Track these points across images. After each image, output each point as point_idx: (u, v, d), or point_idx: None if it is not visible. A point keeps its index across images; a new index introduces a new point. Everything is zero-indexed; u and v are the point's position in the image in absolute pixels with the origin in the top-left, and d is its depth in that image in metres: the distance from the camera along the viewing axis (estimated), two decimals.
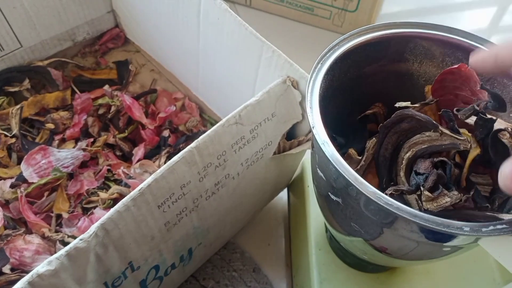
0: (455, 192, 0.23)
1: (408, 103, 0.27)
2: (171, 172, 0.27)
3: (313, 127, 0.22)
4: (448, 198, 0.23)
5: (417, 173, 0.25)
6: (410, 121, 0.26)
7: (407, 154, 0.25)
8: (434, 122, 0.25)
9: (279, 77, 0.33)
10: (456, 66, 0.27)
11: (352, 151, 0.27)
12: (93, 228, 0.24)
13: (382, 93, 0.30)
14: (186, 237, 0.31)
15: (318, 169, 0.24)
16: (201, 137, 0.28)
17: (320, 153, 0.22)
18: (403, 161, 0.25)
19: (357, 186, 0.20)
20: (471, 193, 0.25)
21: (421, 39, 0.28)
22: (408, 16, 0.68)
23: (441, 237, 0.21)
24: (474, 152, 0.25)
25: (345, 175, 0.20)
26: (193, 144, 0.28)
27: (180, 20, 0.41)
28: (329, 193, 0.24)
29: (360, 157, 0.27)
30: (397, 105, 0.27)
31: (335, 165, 0.20)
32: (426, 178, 0.24)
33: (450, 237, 0.21)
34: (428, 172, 0.24)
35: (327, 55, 0.26)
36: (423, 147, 0.25)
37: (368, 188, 0.20)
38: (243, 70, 0.38)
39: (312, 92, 0.24)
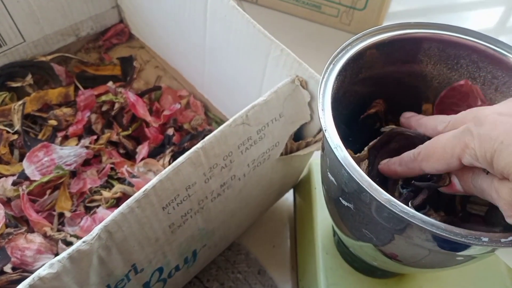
0: (442, 213, 0.24)
1: (392, 127, 0.28)
2: (176, 173, 0.26)
3: (325, 130, 0.21)
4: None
5: (403, 187, 0.25)
6: (399, 140, 0.27)
7: None
8: (425, 136, 0.25)
9: (287, 76, 0.32)
10: (460, 82, 0.27)
11: (349, 151, 0.27)
12: (96, 230, 0.23)
13: (394, 94, 0.29)
14: (191, 239, 0.30)
15: (328, 173, 0.24)
16: (207, 137, 0.27)
17: (332, 157, 0.21)
18: (399, 181, 0.26)
19: (371, 193, 0.19)
20: (459, 215, 0.25)
21: (435, 41, 0.27)
22: (415, 15, 0.67)
23: (457, 247, 0.20)
24: None
25: (359, 181, 0.19)
26: (199, 145, 0.27)
27: (187, 16, 0.40)
28: (340, 198, 0.23)
29: (356, 155, 0.26)
30: (382, 129, 0.28)
31: (349, 171, 0.20)
32: (412, 192, 0.24)
33: (466, 246, 0.20)
34: (413, 188, 0.25)
35: (339, 56, 0.25)
36: None
37: (382, 195, 0.19)
38: (250, 69, 0.37)
39: (324, 94, 0.23)
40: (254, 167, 0.32)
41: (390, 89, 0.29)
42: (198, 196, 0.28)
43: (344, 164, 0.20)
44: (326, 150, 0.24)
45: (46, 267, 0.22)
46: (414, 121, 0.26)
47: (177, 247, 0.29)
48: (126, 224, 0.24)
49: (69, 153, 0.37)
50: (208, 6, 0.37)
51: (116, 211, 0.24)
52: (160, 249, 0.28)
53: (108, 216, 0.34)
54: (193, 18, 0.40)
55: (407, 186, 0.26)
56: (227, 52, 0.39)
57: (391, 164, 0.25)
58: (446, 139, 0.21)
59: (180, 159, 0.26)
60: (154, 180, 0.25)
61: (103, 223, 0.23)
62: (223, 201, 0.31)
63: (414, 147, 0.25)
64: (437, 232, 0.18)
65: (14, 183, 0.35)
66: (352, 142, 0.28)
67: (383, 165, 0.26)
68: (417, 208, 0.23)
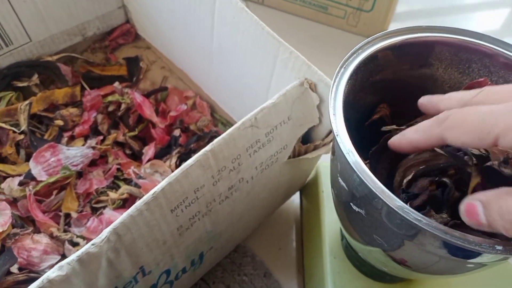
0: (444, 215, 0.23)
1: (393, 126, 0.27)
2: (185, 175, 0.26)
3: (337, 135, 0.21)
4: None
5: (404, 191, 0.25)
6: None
7: (408, 177, 0.25)
8: None
9: (296, 79, 0.32)
10: (479, 80, 0.26)
11: None
12: (105, 232, 0.23)
13: (404, 98, 0.29)
14: (199, 241, 0.30)
15: (339, 177, 0.24)
16: (216, 140, 0.27)
17: (344, 162, 0.21)
18: (403, 184, 0.25)
19: (384, 199, 0.19)
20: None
21: (447, 45, 0.27)
22: (419, 16, 0.67)
23: (469, 254, 0.20)
24: (475, 180, 0.25)
25: (372, 187, 0.19)
26: (207, 147, 0.27)
27: (194, 17, 0.40)
28: (351, 203, 0.23)
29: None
30: (383, 128, 0.27)
31: (361, 176, 0.19)
32: (416, 196, 0.24)
33: (478, 254, 0.20)
34: (414, 193, 0.24)
35: (350, 59, 0.25)
36: (420, 167, 0.25)
37: (395, 202, 0.19)
38: (258, 70, 0.37)
39: (336, 98, 0.23)
40: (262, 170, 0.31)
41: (400, 93, 0.29)
42: (206, 199, 0.28)
43: (356, 170, 0.20)
44: (337, 155, 0.23)
45: (55, 270, 0.22)
46: (436, 97, 0.24)
47: (185, 249, 0.29)
48: (135, 227, 0.24)
49: (75, 153, 0.37)
50: (216, 7, 0.37)
51: (125, 213, 0.24)
52: (168, 251, 0.28)
53: (115, 217, 0.34)
54: (200, 19, 0.40)
55: (408, 191, 0.26)
56: (234, 54, 0.38)
57: (405, 134, 0.22)
58: (488, 111, 0.18)
59: (189, 161, 0.26)
60: (163, 183, 0.25)
61: (112, 226, 0.23)
62: (231, 203, 0.30)
63: None
64: (451, 240, 0.18)
65: (20, 183, 0.35)
66: (362, 147, 0.28)
67: (394, 140, 0.23)
68: (417, 209, 0.23)
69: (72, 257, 0.22)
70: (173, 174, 0.25)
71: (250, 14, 0.34)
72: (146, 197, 0.24)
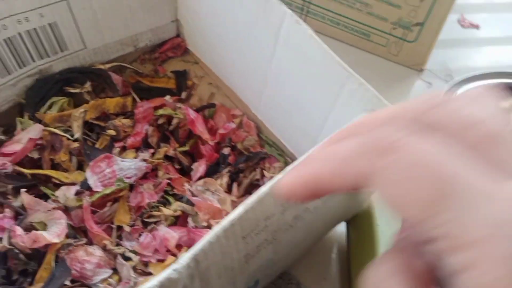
0: None
1: None
2: (260, 203, 0.26)
3: None
4: None
5: None
6: None
7: None
8: None
9: (364, 110, 0.32)
10: None
11: None
12: (185, 258, 0.23)
13: None
14: (259, 269, 0.30)
15: None
16: (288, 168, 0.27)
17: None
18: None
19: None
20: None
21: None
22: (452, 45, 0.66)
23: None
24: None
25: None
26: (281, 175, 0.27)
27: (255, 37, 0.40)
28: None
29: None
30: None
31: None
32: None
33: None
34: None
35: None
36: None
37: None
38: (318, 98, 0.37)
39: None
40: (324, 200, 0.31)
41: None
42: (273, 227, 0.28)
43: None
44: None
45: None
46: None
47: (246, 277, 0.29)
48: (211, 253, 0.24)
49: (129, 165, 0.37)
50: (281, 31, 0.37)
51: (204, 240, 0.23)
52: (233, 278, 0.27)
53: (169, 234, 0.34)
54: (261, 40, 0.40)
55: None
56: (295, 78, 0.38)
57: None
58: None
59: (264, 189, 0.26)
60: (240, 210, 0.25)
61: (192, 252, 0.23)
62: (293, 233, 0.30)
63: None
64: None
65: (77, 193, 0.35)
66: None
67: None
68: None
69: (154, 282, 0.22)
70: (248, 201, 0.25)
71: (319, 42, 0.34)
72: (225, 224, 0.24)
